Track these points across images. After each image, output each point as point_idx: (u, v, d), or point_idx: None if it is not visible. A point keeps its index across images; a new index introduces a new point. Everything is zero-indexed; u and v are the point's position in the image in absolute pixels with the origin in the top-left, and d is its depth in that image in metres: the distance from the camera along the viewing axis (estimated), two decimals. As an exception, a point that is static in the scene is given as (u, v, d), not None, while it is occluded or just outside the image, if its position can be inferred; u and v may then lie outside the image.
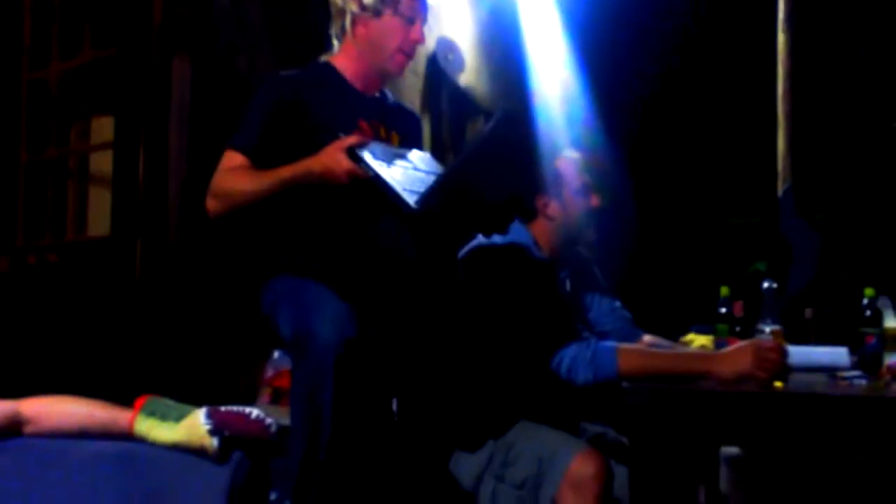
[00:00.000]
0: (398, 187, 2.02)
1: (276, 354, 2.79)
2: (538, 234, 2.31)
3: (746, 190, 5.15)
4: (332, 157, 2.04)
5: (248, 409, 1.58)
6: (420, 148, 2.37)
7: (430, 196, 2.03)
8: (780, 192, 4.32)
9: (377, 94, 2.36)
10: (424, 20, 2.33)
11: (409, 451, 2.22)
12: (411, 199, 2.00)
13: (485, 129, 2.21)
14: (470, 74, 4.98)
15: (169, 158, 2.91)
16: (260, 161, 2.16)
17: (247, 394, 2.82)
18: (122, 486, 1.45)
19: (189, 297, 2.89)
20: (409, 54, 2.30)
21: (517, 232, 2.28)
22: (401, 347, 2.26)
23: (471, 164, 2.14)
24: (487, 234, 2.24)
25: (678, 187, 5.50)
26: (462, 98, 4.99)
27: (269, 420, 1.57)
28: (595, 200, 2.33)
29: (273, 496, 2.05)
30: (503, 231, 2.25)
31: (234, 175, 2.15)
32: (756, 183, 4.80)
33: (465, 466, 2.10)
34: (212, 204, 2.18)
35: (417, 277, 2.28)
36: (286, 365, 2.64)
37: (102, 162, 3.20)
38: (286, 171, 2.10)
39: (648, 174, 5.25)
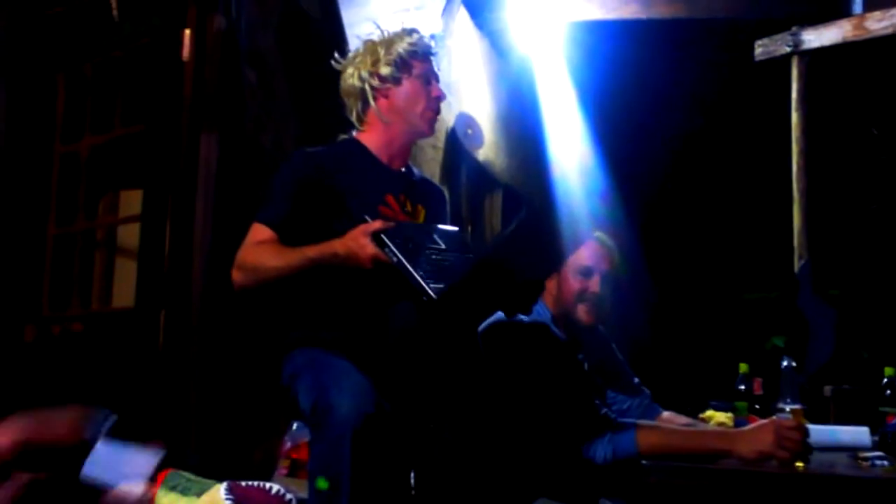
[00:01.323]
0: (420, 276, 2.05)
1: (294, 426, 2.80)
2: (551, 306, 2.33)
3: (763, 265, 5.17)
4: (357, 242, 2.07)
5: (268, 485, 1.58)
6: (445, 221, 2.42)
7: (452, 290, 2.06)
8: (796, 267, 4.34)
9: (403, 169, 2.41)
10: (437, 78, 2.41)
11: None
12: (433, 290, 2.03)
13: (511, 225, 2.26)
14: (488, 149, 5.06)
15: (194, 231, 2.96)
16: (287, 235, 2.21)
17: (265, 465, 2.82)
18: None
19: (210, 369, 2.91)
20: (436, 111, 2.38)
21: (537, 309, 2.31)
22: (419, 423, 2.27)
23: (494, 261, 2.18)
24: (511, 315, 2.26)
25: (694, 262, 5.52)
26: (481, 172, 5.06)
27: (289, 496, 1.57)
28: (594, 285, 2.33)
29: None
30: (527, 311, 2.28)
31: (260, 250, 2.20)
32: (772, 258, 4.82)
33: None
34: (237, 276, 2.21)
35: (436, 354, 2.29)
36: (304, 437, 2.65)
37: (129, 234, 3.26)
38: (311, 251, 2.14)
39: (664, 249, 5.28)
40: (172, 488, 1.53)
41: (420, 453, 2.32)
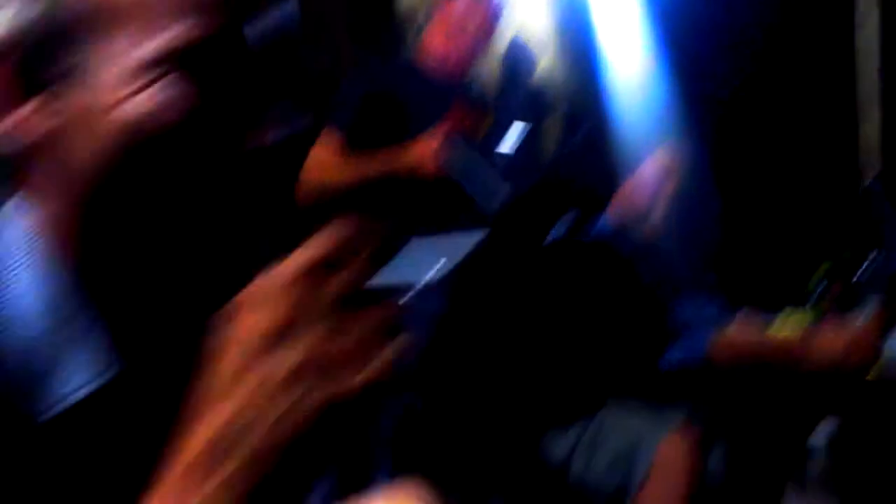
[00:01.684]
0: (483, 189, 2.04)
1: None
2: (617, 217, 2.30)
3: (834, 176, 5.04)
4: (422, 153, 2.07)
5: None
6: (511, 127, 2.40)
7: (514, 203, 2.05)
8: (867, 179, 4.22)
9: (466, 80, 2.39)
10: None
11: (500, 429, 2.24)
12: (495, 202, 2.02)
13: (571, 141, 2.23)
14: (545, 73, 4.98)
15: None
16: (353, 147, 2.21)
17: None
18: None
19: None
20: (489, 29, 2.37)
21: (600, 224, 2.29)
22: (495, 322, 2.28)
23: (561, 168, 2.16)
24: (575, 230, 2.25)
25: (767, 167, 5.41)
26: (537, 98, 4.99)
27: None
28: (662, 201, 2.30)
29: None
30: (590, 226, 2.26)
31: (326, 164, 2.21)
32: (844, 170, 4.69)
33: (557, 444, 2.12)
34: (302, 192, 2.23)
35: (499, 272, 2.29)
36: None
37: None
38: (377, 164, 2.14)
39: (734, 161, 5.17)
40: None
41: (491, 358, 2.34)
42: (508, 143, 2.20)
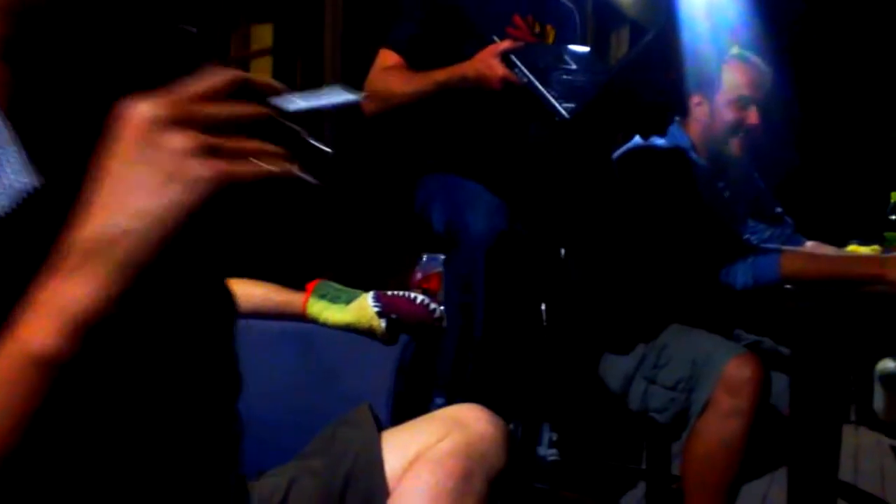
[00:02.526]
0: (552, 95, 2.00)
1: (424, 258, 2.86)
2: (694, 134, 2.24)
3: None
4: (486, 63, 2.03)
5: (413, 294, 1.60)
6: (575, 40, 2.34)
7: (585, 108, 2.01)
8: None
9: None
10: None
11: (558, 354, 2.25)
12: (564, 109, 1.98)
13: (641, 43, 2.15)
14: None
15: (325, 63, 2.97)
16: (415, 59, 2.17)
17: (397, 294, 2.90)
18: (300, 362, 1.51)
19: (342, 199, 2.97)
20: None
21: (675, 135, 2.23)
22: (551, 248, 2.27)
23: (626, 75, 2.10)
24: (646, 136, 2.20)
25: (843, 95, 5.23)
26: (606, 6, 4.87)
27: (433, 305, 1.60)
28: (753, 117, 2.19)
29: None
30: (662, 133, 2.20)
31: (389, 76, 2.17)
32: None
33: (616, 369, 2.10)
34: (367, 105, 2.21)
35: (570, 179, 2.27)
36: (436, 268, 2.70)
37: (262, 69, 3.30)
38: (440, 75, 2.10)
39: (811, 81, 5.00)
40: (322, 296, 1.57)
41: (551, 286, 2.34)
42: (571, 55, 2.14)
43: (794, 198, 2.89)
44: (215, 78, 0.55)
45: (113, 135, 0.53)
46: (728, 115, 2.20)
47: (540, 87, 1.99)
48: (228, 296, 0.85)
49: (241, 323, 1.43)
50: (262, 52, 3.29)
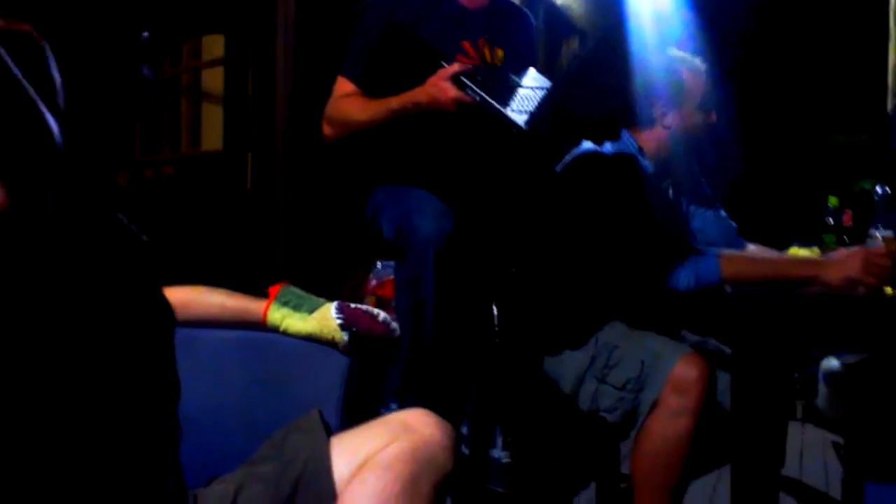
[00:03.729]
0: (505, 109, 2.05)
1: (379, 265, 2.88)
2: (646, 142, 2.28)
3: (854, 107, 4.98)
4: (438, 87, 2.08)
5: (375, 310, 1.61)
6: (530, 47, 2.39)
7: (539, 113, 2.06)
8: (889, 107, 4.17)
9: (485, 4, 2.36)
10: None
11: (510, 355, 2.28)
12: (520, 120, 2.03)
13: (587, 49, 2.22)
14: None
15: (276, 74, 2.98)
16: (369, 86, 2.23)
17: (352, 301, 2.93)
18: (247, 370, 1.51)
19: (296, 208, 2.99)
20: None
21: (624, 140, 2.28)
22: (502, 251, 2.32)
23: (575, 78, 2.16)
24: (598, 143, 2.25)
25: (784, 103, 5.35)
26: (558, 17, 4.92)
27: (393, 325, 1.60)
28: (713, 117, 2.26)
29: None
30: (613, 139, 2.25)
31: (346, 104, 2.24)
32: (864, 99, 4.63)
33: (567, 368, 2.13)
34: (327, 130, 2.28)
35: (518, 186, 2.32)
36: (389, 275, 2.73)
37: (214, 80, 3.30)
38: (395, 103, 2.16)
39: (754, 90, 5.11)
40: (284, 304, 1.55)
41: (502, 287, 2.38)
42: (522, 73, 2.20)
43: (737, 202, 2.96)
44: None
45: None
46: (698, 119, 2.25)
47: (493, 102, 2.04)
48: (165, 306, 0.87)
49: (193, 331, 1.44)
50: (213, 63, 3.30)
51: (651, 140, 2.28)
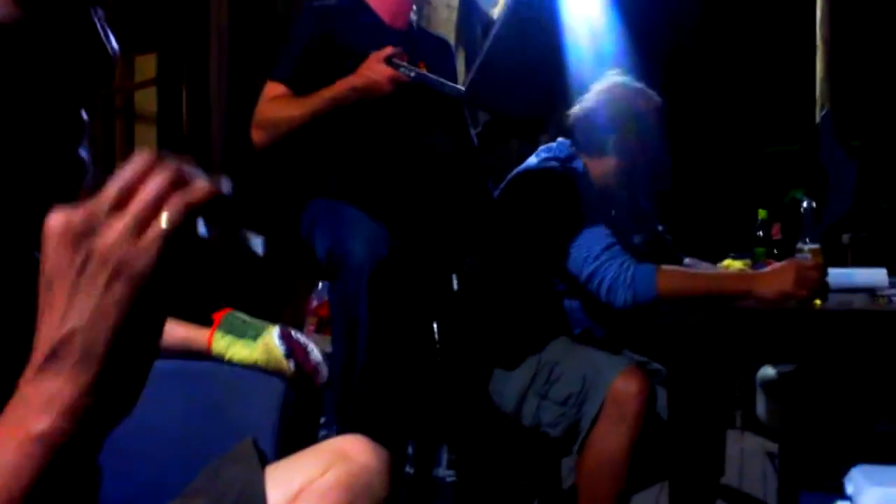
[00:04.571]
0: (443, 80, 2.07)
1: (320, 285, 2.86)
2: (593, 167, 2.29)
3: (784, 117, 5.09)
4: (373, 69, 2.08)
5: (311, 347, 1.59)
6: (450, 74, 2.41)
7: (477, 78, 2.08)
8: (818, 118, 4.27)
9: (405, 27, 2.38)
10: None
11: (452, 373, 2.28)
12: (460, 87, 2.05)
13: (491, 34, 2.23)
14: (502, 7, 4.94)
15: (210, 94, 2.95)
16: (299, 90, 2.21)
17: (293, 322, 2.90)
18: (182, 399, 1.48)
19: (234, 229, 2.96)
20: None
21: (560, 148, 2.30)
22: (441, 268, 2.32)
23: (501, 42, 2.17)
24: (528, 140, 2.28)
25: (716, 115, 5.45)
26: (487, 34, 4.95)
27: (324, 369, 1.59)
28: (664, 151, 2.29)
29: (322, 419, 2.13)
30: (539, 132, 2.29)
31: (277, 104, 2.21)
32: (794, 110, 4.74)
33: (508, 387, 2.15)
34: (257, 135, 2.23)
35: (453, 200, 2.33)
36: (330, 295, 2.71)
37: (147, 100, 3.26)
38: (328, 92, 2.14)
39: (685, 102, 5.20)
40: (229, 331, 1.53)
41: (442, 305, 2.38)
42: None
43: (671, 216, 3.01)
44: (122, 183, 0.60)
45: (45, 249, 0.60)
46: (640, 143, 2.27)
47: (430, 75, 2.06)
48: None
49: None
50: (146, 83, 3.25)
51: (598, 167, 2.30)
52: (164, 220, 0.59)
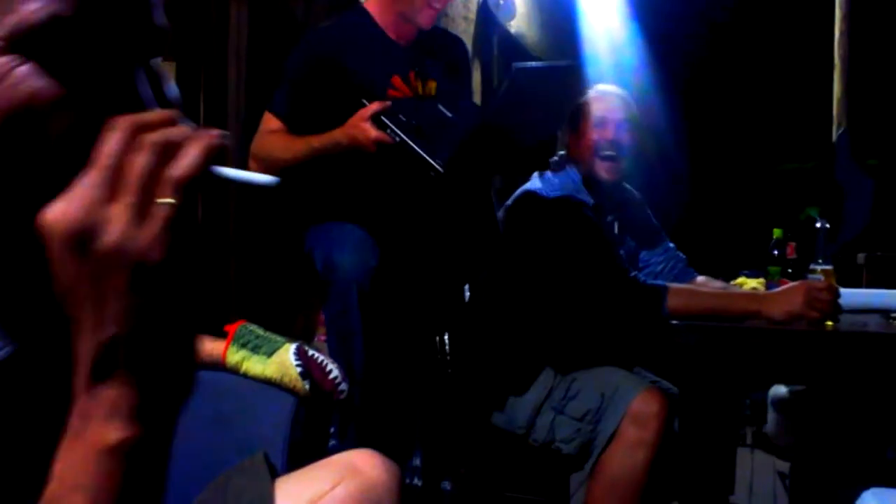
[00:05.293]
0: (425, 151, 2.05)
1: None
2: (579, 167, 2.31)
3: (801, 135, 5.08)
4: (358, 128, 2.08)
5: (329, 364, 1.59)
6: (467, 75, 2.40)
7: (457, 151, 2.07)
8: (834, 136, 4.26)
9: (412, 38, 2.34)
10: None
11: (462, 388, 2.29)
12: (438, 163, 2.04)
13: (502, 87, 2.23)
14: (521, 21, 4.96)
15: (228, 103, 2.97)
16: (295, 122, 2.23)
17: (305, 332, 2.91)
18: (193, 411, 1.49)
19: (248, 241, 2.97)
20: (436, 7, 2.28)
21: (567, 174, 2.30)
22: (443, 279, 2.32)
23: (492, 115, 2.18)
24: (529, 171, 2.29)
25: (733, 132, 5.44)
26: (513, 44, 4.97)
27: (343, 384, 1.59)
28: (609, 133, 2.28)
29: (332, 429, 2.13)
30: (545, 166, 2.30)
31: (270, 141, 2.25)
32: (811, 128, 4.73)
33: (523, 400, 2.15)
34: (253, 166, 2.27)
35: (449, 224, 2.32)
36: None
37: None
38: (316, 142, 2.17)
39: (703, 119, 5.21)
40: (243, 345, 1.54)
41: (452, 317, 2.38)
42: (449, 105, 2.21)
43: (686, 233, 3.01)
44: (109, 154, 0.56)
45: (51, 253, 0.56)
46: (590, 136, 2.29)
47: (412, 144, 2.05)
48: None
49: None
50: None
51: (582, 166, 2.30)
52: (164, 199, 0.55)
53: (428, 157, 2.02)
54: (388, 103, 2.12)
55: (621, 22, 5.20)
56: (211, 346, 1.54)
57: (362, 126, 2.08)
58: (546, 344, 2.20)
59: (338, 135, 2.12)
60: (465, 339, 2.35)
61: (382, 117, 2.07)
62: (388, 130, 2.07)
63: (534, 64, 2.28)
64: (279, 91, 2.27)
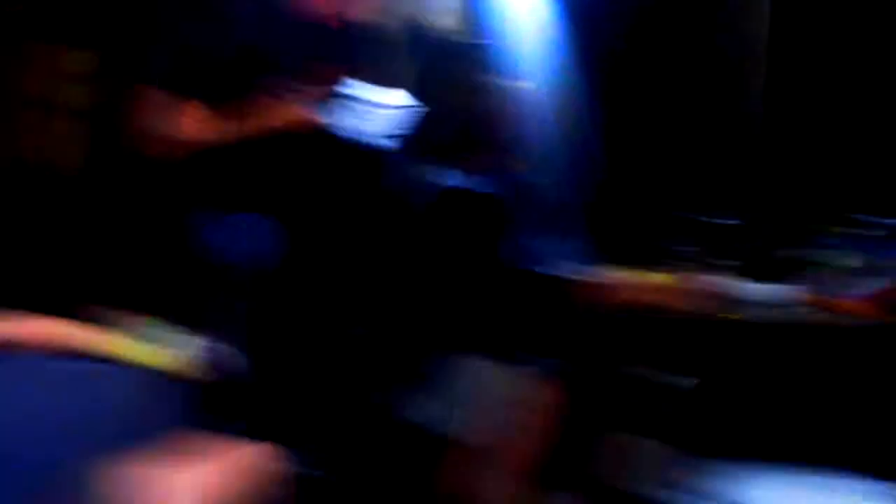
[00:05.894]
0: (358, 129, 2.05)
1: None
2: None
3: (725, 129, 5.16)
4: (289, 110, 2.06)
5: (223, 350, 1.59)
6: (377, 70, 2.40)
7: (395, 133, 2.08)
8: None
9: (342, 26, 2.25)
10: None
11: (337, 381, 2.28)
12: (371, 140, 2.05)
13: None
14: (445, 16, 4.94)
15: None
16: (219, 101, 2.09)
17: (193, 321, 2.85)
18: (88, 400, 1.48)
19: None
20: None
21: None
22: (351, 275, 2.31)
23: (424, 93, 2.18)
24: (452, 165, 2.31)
25: (653, 123, 5.51)
26: (441, 39, 4.94)
27: (237, 370, 1.59)
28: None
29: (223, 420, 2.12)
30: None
31: (193, 123, 2.09)
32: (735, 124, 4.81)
33: (403, 385, 2.16)
34: (153, 148, 2.10)
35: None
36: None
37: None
38: (245, 126, 2.06)
39: (620, 106, 5.26)
40: (139, 336, 1.55)
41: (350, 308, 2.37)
42: (387, 97, 2.19)
43: (599, 224, 3.02)
44: None
45: None
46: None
47: (346, 123, 2.05)
48: None
49: (25, 362, 1.41)
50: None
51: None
52: None
53: (361, 134, 2.00)
54: (314, 90, 2.08)
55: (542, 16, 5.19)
56: (98, 336, 1.52)
57: (294, 108, 2.04)
58: (428, 330, 2.22)
59: (270, 117, 2.06)
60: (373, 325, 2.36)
61: (321, 101, 2.04)
62: (320, 112, 2.04)
63: None
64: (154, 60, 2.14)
